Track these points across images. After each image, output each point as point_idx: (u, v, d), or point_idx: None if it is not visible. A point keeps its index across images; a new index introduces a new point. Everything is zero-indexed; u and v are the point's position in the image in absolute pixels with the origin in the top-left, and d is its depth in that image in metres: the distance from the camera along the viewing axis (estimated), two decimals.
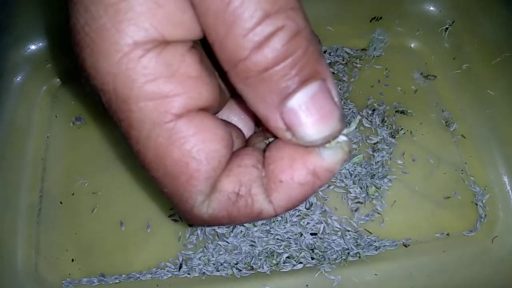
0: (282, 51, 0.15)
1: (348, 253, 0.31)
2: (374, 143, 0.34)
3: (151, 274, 0.30)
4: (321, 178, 0.17)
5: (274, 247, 0.31)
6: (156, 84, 0.16)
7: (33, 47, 0.38)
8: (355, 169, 0.33)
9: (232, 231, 0.31)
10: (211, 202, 0.18)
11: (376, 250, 0.31)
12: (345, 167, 0.32)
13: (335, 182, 0.32)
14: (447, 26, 0.37)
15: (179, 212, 0.18)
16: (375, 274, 0.30)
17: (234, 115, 0.23)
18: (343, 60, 0.38)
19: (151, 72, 0.15)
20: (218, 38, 0.15)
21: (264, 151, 0.19)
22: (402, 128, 0.34)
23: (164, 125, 0.16)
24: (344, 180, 0.32)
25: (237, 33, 0.14)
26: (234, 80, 0.16)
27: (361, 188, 0.32)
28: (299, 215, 0.31)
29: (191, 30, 0.16)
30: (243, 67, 0.15)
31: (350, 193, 0.32)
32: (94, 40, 0.16)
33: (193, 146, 0.16)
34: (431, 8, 0.38)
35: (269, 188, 0.18)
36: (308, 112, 0.16)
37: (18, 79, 0.37)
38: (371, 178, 0.32)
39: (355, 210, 0.32)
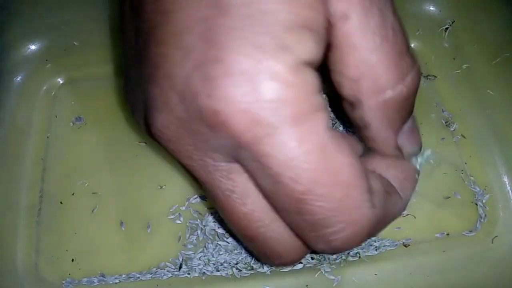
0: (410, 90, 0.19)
1: (348, 253, 0.31)
2: None
3: (151, 274, 0.31)
4: (409, 183, 0.23)
5: None
6: (317, 96, 0.17)
7: (33, 47, 0.38)
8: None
9: (232, 231, 0.31)
10: (376, 202, 0.18)
11: (376, 250, 0.31)
12: None
13: None
14: (447, 26, 0.37)
15: (344, 229, 0.18)
16: (375, 274, 0.30)
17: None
18: None
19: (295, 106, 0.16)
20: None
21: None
22: None
23: (327, 133, 0.17)
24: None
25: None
26: (372, 107, 0.19)
27: None
28: None
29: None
30: (387, 99, 0.19)
31: None
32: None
33: (348, 149, 0.17)
34: (431, 8, 0.38)
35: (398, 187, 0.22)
36: (412, 134, 0.22)
37: (18, 79, 0.37)
38: None
39: None
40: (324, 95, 0.30)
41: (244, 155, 0.17)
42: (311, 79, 0.16)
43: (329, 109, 0.32)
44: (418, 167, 0.24)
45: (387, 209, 0.19)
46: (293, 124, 0.16)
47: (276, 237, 0.20)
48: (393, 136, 0.20)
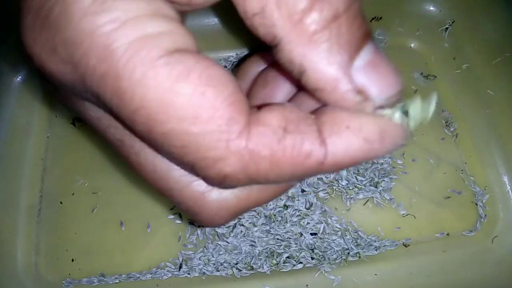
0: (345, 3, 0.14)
1: (348, 253, 0.31)
2: None
3: (151, 274, 0.31)
4: (385, 143, 0.16)
5: (274, 247, 0.31)
6: (137, 23, 0.14)
7: None
8: (355, 169, 0.33)
9: (232, 231, 0.31)
10: (252, 135, 0.15)
11: (376, 250, 0.31)
12: None
13: (333, 182, 0.32)
14: (447, 26, 0.37)
15: (210, 165, 0.15)
16: (375, 274, 0.30)
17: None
18: None
19: (130, 11, 0.14)
20: None
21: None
22: None
23: (158, 61, 0.14)
24: (344, 180, 0.32)
25: None
26: (295, 41, 0.14)
27: (361, 188, 0.32)
28: (299, 215, 0.31)
29: None
30: (309, 22, 0.14)
31: (351, 193, 0.32)
32: None
33: (201, 73, 0.14)
34: (431, 8, 0.38)
35: (329, 130, 0.15)
36: (377, 69, 0.15)
37: (18, 79, 0.37)
38: (371, 178, 0.32)
39: (355, 210, 0.32)
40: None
41: (92, 98, 0.16)
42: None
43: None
44: (399, 120, 0.16)
45: (275, 148, 0.15)
46: (117, 52, 0.14)
47: (181, 186, 0.18)
48: (341, 74, 0.15)
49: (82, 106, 0.17)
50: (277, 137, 0.15)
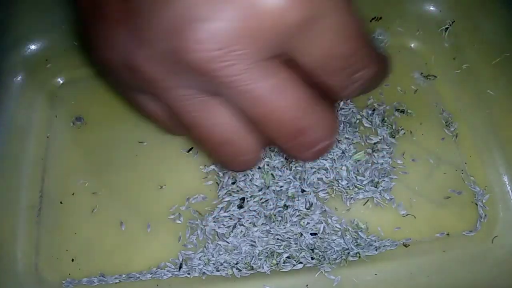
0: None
1: (348, 253, 0.31)
2: (374, 143, 0.34)
3: (151, 274, 0.31)
4: None
5: (274, 247, 0.31)
6: None
7: (33, 47, 0.38)
8: (355, 169, 0.33)
9: (232, 231, 0.31)
10: None
11: (376, 250, 0.31)
12: (345, 165, 0.32)
13: (333, 182, 0.32)
14: (447, 26, 0.37)
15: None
16: (375, 274, 0.30)
17: None
18: None
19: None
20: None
21: None
22: (402, 128, 0.34)
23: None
24: (344, 180, 0.32)
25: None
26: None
27: (361, 188, 0.32)
28: (299, 215, 0.31)
29: None
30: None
31: (351, 193, 0.32)
32: None
33: None
34: (431, 8, 0.38)
35: None
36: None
37: (18, 79, 0.37)
38: (371, 178, 0.32)
39: (355, 210, 0.32)
40: None
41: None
42: None
43: None
44: None
45: None
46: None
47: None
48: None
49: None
50: None
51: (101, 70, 0.24)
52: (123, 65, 0.21)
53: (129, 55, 0.20)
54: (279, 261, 0.30)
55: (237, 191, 0.32)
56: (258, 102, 0.20)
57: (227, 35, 0.17)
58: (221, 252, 0.31)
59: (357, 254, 0.31)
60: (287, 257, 0.30)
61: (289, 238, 0.31)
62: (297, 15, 0.17)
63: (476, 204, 0.32)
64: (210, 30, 0.17)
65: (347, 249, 0.31)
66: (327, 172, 0.32)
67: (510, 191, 0.33)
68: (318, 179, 0.32)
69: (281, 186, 0.32)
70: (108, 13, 0.20)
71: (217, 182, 0.33)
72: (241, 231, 0.31)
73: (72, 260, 0.31)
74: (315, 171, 0.32)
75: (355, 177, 0.32)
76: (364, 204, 0.32)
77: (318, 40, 0.19)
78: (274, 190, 0.32)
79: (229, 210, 0.32)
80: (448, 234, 0.31)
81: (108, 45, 0.21)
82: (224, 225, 0.31)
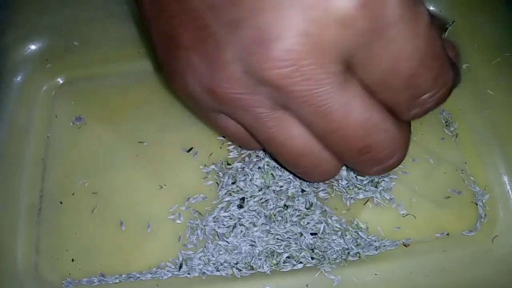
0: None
1: (348, 253, 0.31)
2: None
3: (151, 274, 0.31)
4: None
5: (274, 247, 0.31)
6: None
7: (33, 47, 0.38)
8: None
9: (232, 231, 0.31)
10: None
11: (376, 250, 0.31)
12: (345, 166, 0.32)
13: (333, 182, 0.32)
14: (447, 26, 0.37)
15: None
16: (375, 274, 0.30)
17: None
18: None
19: None
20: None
21: None
22: None
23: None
24: (344, 180, 0.32)
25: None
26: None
27: (361, 188, 0.32)
28: (299, 215, 0.31)
29: None
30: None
31: (351, 193, 0.32)
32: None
33: None
34: (431, 8, 0.38)
35: None
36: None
37: (18, 79, 0.37)
38: (371, 178, 0.32)
39: (355, 210, 0.32)
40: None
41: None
42: None
43: None
44: None
45: None
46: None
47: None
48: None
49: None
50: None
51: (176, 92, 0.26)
52: (201, 89, 0.22)
53: (206, 79, 0.21)
54: (279, 261, 0.30)
55: (237, 191, 0.32)
56: (327, 118, 0.20)
57: (298, 51, 0.18)
58: (221, 252, 0.31)
59: (357, 254, 0.31)
60: (287, 257, 0.30)
61: (289, 238, 0.31)
62: (366, 22, 0.18)
63: (476, 204, 0.32)
64: (282, 48, 0.18)
65: (347, 249, 0.31)
66: None
67: (510, 191, 0.33)
68: None
69: (281, 186, 0.32)
70: (184, 42, 0.21)
71: (217, 182, 0.33)
72: (241, 231, 0.31)
73: (72, 260, 0.31)
74: None
75: (355, 177, 0.32)
76: (364, 204, 0.32)
77: (382, 52, 0.19)
78: (274, 190, 0.32)
79: (229, 210, 0.32)
80: (448, 234, 0.31)
81: (186, 72, 0.22)
82: (224, 225, 0.31)
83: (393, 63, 0.19)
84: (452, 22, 0.37)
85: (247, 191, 0.32)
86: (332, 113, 0.20)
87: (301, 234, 0.31)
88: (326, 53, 0.18)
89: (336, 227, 0.31)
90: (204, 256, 0.31)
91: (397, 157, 0.24)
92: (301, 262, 0.30)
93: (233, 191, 0.32)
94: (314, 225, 0.31)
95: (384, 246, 0.31)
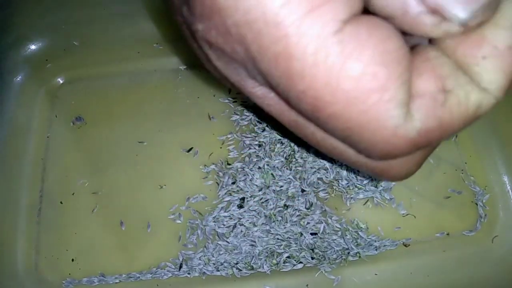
0: None
1: (348, 253, 0.31)
2: None
3: (151, 274, 0.31)
4: None
5: (274, 247, 0.31)
6: None
7: (33, 47, 0.38)
8: (355, 169, 0.33)
9: (232, 231, 0.31)
10: (415, 113, 0.14)
11: (376, 250, 0.31)
12: (346, 165, 0.32)
13: (334, 182, 0.32)
14: None
15: (374, 150, 0.15)
16: (375, 274, 0.30)
17: None
18: None
19: None
20: None
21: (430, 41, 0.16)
22: None
23: (331, 39, 0.13)
24: (344, 179, 0.32)
25: None
26: None
27: (361, 188, 0.32)
28: (299, 215, 0.31)
29: None
30: None
31: (351, 193, 0.32)
32: None
33: (374, 51, 0.13)
34: None
35: (474, 73, 0.14)
36: None
37: (18, 79, 0.37)
38: (371, 178, 0.32)
39: (355, 210, 0.32)
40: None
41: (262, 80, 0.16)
42: None
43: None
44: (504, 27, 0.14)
45: (441, 115, 0.14)
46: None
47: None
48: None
49: (246, 84, 0.17)
50: (440, 102, 0.14)
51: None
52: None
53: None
54: (279, 261, 0.30)
55: (237, 191, 0.32)
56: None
57: None
58: (221, 252, 0.31)
59: (357, 254, 0.31)
60: (287, 257, 0.30)
61: (289, 238, 0.31)
62: None
63: (476, 204, 0.32)
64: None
65: (347, 249, 0.31)
66: (327, 172, 0.32)
67: (510, 191, 0.33)
68: (318, 179, 0.32)
69: (281, 186, 0.32)
70: None
71: (217, 182, 0.33)
72: (241, 231, 0.31)
73: (72, 260, 0.31)
74: (315, 171, 0.32)
75: (355, 177, 0.32)
76: (364, 204, 0.32)
77: None
78: (274, 190, 0.32)
79: (229, 210, 0.32)
80: (448, 234, 0.31)
81: None
82: (224, 225, 0.31)
83: (289, 90, 0.15)
84: None
85: (247, 191, 0.32)
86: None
87: (301, 234, 0.31)
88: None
89: (336, 227, 0.31)
90: (204, 256, 0.31)
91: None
92: (301, 262, 0.30)
93: (233, 191, 0.32)
94: (314, 225, 0.31)
95: (384, 246, 0.31)
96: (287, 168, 0.32)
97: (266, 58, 0.14)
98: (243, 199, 0.32)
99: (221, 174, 0.33)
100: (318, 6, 0.13)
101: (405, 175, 0.19)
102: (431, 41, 0.16)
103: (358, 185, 0.32)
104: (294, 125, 0.18)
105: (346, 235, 0.31)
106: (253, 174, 0.32)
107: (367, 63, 0.13)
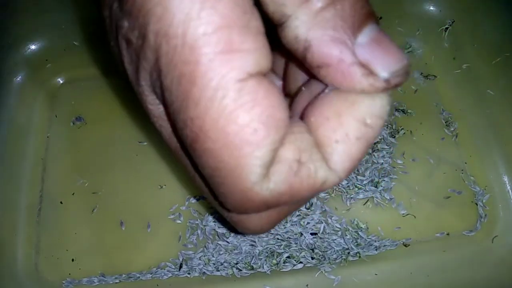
0: None
1: (348, 253, 0.31)
2: (374, 143, 0.34)
3: (151, 274, 0.31)
4: (374, 127, 0.16)
5: (274, 247, 0.31)
6: (230, 33, 0.14)
7: (33, 47, 0.38)
8: (355, 169, 0.33)
9: (232, 231, 0.31)
10: (272, 175, 0.16)
11: (376, 250, 0.31)
12: None
13: None
14: (447, 26, 0.37)
15: (230, 198, 0.16)
16: (375, 274, 0.30)
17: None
18: None
19: (226, 17, 0.14)
20: None
21: (301, 117, 0.18)
22: (402, 128, 0.34)
23: (233, 84, 0.14)
24: (344, 180, 0.32)
25: None
26: (302, 18, 0.15)
27: (361, 188, 0.32)
28: (299, 215, 0.31)
29: None
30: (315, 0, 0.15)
31: (351, 193, 0.32)
32: None
33: (263, 111, 0.15)
34: (431, 8, 0.38)
35: (326, 153, 0.16)
36: (380, 46, 0.16)
37: (18, 79, 0.37)
38: (371, 178, 0.32)
39: (355, 210, 0.32)
40: None
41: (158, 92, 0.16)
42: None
43: None
44: (378, 100, 0.16)
45: (292, 182, 0.16)
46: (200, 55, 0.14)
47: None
48: (346, 48, 0.15)
49: (147, 98, 0.18)
50: (294, 171, 0.16)
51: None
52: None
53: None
54: (279, 261, 0.30)
55: None
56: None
57: None
58: (221, 252, 0.31)
59: (357, 254, 0.31)
60: (287, 257, 0.30)
61: (289, 238, 0.31)
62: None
63: (476, 204, 0.32)
64: None
65: (347, 249, 0.31)
66: None
67: (510, 191, 0.33)
68: None
69: None
70: None
71: None
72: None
73: (72, 260, 0.31)
74: None
75: (355, 177, 0.32)
76: (364, 204, 0.32)
77: None
78: None
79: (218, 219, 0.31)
80: (448, 234, 0.31)
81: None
82: (224, 225, 0.31)
83: (176, 117, 0.16)
84: (452, 22, 0.37)
85: None
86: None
87: (301, 234, 0.31)
88: None
89: (336, 227, 0.31)
90: (204, 256, 0.31)
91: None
92: (301, 262, 0.30)
93: None
94: (314, 225, 0.31)
95: (384, 246, 0.31)
96: None
97: (171, 74, 0.15)
98: None
99: None
100: (233, 52, 0.14)
101: (258, 230, 0.20)
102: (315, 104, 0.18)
103: (358, 185, 0.32)
104: (174, 152, 0.19)
105: (346, 235, 0.31)
106: None
107: (253, 118, 0.14)
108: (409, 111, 0.35)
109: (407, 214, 0.32)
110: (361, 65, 0.15)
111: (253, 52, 0.14)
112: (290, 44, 0.16)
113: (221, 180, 0.16)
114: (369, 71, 0.15)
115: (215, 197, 0.19)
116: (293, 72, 0.20)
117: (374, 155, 0.33)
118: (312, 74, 0.17)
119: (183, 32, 0.14)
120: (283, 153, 0.16)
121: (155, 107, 0.18)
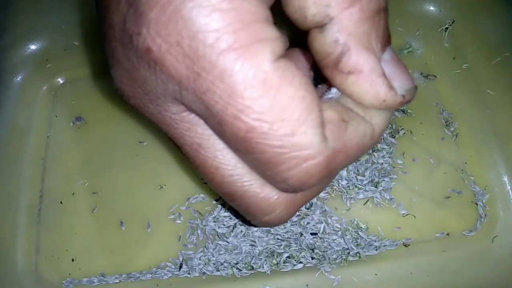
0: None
1: (348, 253, 0.31)
2: None
3: (151, 274, 0.31)
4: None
5: (274, 247, 0.31)
6: (260, 25, 0.15)
7: (33, 47, 0.38)
8: (355, 169, 0.33)
9: (232, 231, 0.31)
10: (328, 135, 0.17)
11: (376, 250, 0.31)
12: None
13: (333, 182, 0.32)
14: (447, 26, 0.37)
15: (294, 173, 0.17)
16: (375, 274, 0.30)
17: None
18: None
19: (256, 12, 0.15)
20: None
21: None
22: (402, 128, 0.34)
23: (273, 64, 0.15)
24: (344, 180, 0.32)
25: None
26: (344, 23, 0.16)
27: (361, 188, 0.32)
28: (299, 215, 0.31)
29: None
30: (359, 8, 0.16)
31: (351, 193, 0.32)
32: None
33: (300, 79, 0.16)
34: (431, 8, 0.38)
35: (361, 108, 0.18)
36: (398, 65, 0.18)
37: (18, 79, 0.37)
38: (371, 178, 0.32)
39: (355, 210, 0.32)
40: None
41: (189, 98, 0.17)
42: (248, 6, 0.15)
43: None
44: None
45: (345, 139, 0.17)
46: (231, 56, 0.15)
47: (255, 191, 0.20)
48: (377, 59, 0.17)
49: (162, 109, 0.18)
50: (343, 129, 0.17)
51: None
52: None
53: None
54: (279, 261, 0.30)
55: None
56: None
57: None
58: (221, 252, 0.31)
59: (357, 254, 0.31)
60: (287, 257, 0.30)
61: (289, 238, 0.31)
62: None
63: (476, 204, 0.32)
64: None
65: (347, 249, 0.31)
66: None
67: (510, 191, 0.33)
68: None
69: None
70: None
71: None
72: (241, 231, 0.31)
73: (72, 260, 0.31)
74: None
75: (355, 177, 0.32)
76: (364, 204, 0.32)
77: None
78: None
79: (229, 210, 0.32)
80: (448, 234, 0.31)
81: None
82: (224, 225, 0.31)
83: (218, 118, 0.17)
84: (452, 22, 0.37)
85: None
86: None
87: (301, 234, 0.31)
88: None
89: (336, 227, 0.31)
90: (204, 256, 0.31)
91: (266, 218, 0.21)
92: (301, 262, 0.30)
93: None
94: (314, 225, 0.31)
95: (384, 246, 0.31)
96: None
97: (213, 73, 0.15)
98: None
99: None
100: (262, 40, 0.15)
101: (281, 219, 0.21)
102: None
103: (358, 185, 0.32)
104: (196, 148, 0.20)
105: (346, 235, 0.31)
106: None
107: (298, 88, 0.16)
108: (409, 111, 0.35)
109: (407, 214, 0.32)
110: (386, 78, 0.17)
111: (277, 40, 0.16)
112: (325, 46, 0.17)
113: (286, 157, 0.17)
114: (391, 86, 0.17)
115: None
116: None
117: (374, 155, 0.33)
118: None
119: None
120: (328, 116, 0.17)
121: (179, 116, 0.19)
